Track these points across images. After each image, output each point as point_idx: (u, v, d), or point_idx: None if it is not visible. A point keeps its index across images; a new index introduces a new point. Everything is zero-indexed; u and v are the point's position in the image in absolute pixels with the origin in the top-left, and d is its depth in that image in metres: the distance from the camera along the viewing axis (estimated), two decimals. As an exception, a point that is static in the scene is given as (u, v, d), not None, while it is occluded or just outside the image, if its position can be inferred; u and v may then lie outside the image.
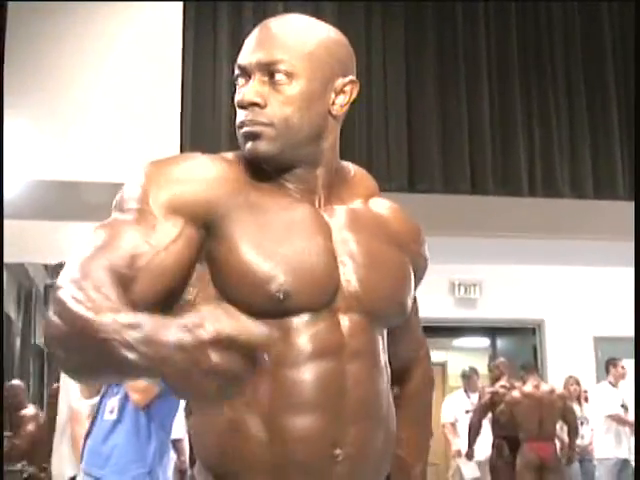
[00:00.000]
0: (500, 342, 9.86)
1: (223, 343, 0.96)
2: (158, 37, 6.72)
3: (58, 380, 5.41)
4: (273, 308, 1.25)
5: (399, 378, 1.49)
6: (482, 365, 8.13)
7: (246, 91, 1.30)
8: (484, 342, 10.33)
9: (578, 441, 6.88)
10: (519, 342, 9.22)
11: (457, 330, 9.90)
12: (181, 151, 6.41)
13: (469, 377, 7.86)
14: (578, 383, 7.68)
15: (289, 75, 1.29)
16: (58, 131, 6.39)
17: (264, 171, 1.33)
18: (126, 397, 2.81)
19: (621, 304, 7.50)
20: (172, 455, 4.41)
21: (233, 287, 1.25)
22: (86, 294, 1.07)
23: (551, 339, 8.47)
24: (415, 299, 1.49)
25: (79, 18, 6.55)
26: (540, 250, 7.60)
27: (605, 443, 7.19)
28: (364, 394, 1.29)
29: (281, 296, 1.23)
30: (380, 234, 1.40)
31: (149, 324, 1.00)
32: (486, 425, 6.94)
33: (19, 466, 5.51)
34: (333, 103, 1.35)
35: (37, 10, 6.36)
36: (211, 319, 0.98)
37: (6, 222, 5.03)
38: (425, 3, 7.38)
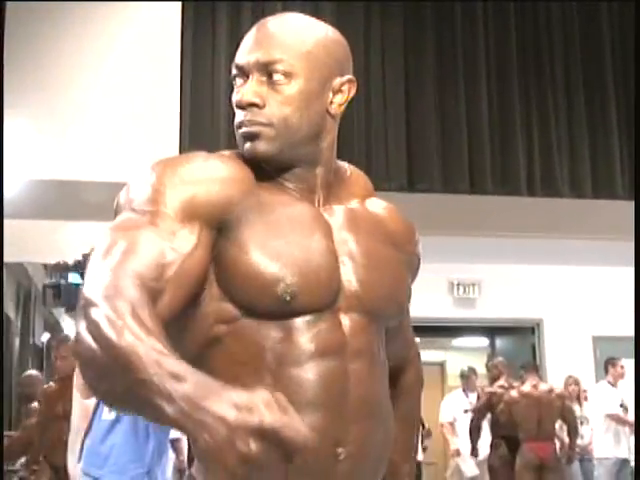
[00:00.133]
0: (499, 342, 9.86)
1: (266, 435, 0.94)
2: (157, 37, 6.72)
3: (56, 380, 5.41)
4: (279, 309, 1.25)
5: (391, 378, 1.50)
6: (481, 365, 8.13)
7: (244, 91, 1.30)
8: (483, 342, 10.33)
9: (578, 441, 6.88)
10: (518, 342, 9.22)
11: (456, 330, 9.91)
12: (180, 150, 6.41)
13: (467, 377, 7.87)
14: (577, 383, 7.69)
15: (287, 75, 1.29)
16: (57, 131, 6.39)
17: (265, 170, 1.33)
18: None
19: (620, 304, 7.50)
20: (171, 455, 4.41)
21: (239, 288, 1.25)
22: (122, 318, 1.05)
23: (550, 339, 8.47)
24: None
25: (77, 18, 6.55)
26: (539, 250, 7.60)
27: (604, 443, 7.19)
28: (366, 393, 1.30)
29: (287, 298, 1.23)
30: (377, 234, 1.40)
31: (195, 382, 0.98)
32: (485, 425, 6.95)
33: (17, 465, 5.51)
34: (331, 102, 1.34)
35: (36, 10, 6.36)
36: (263, 405, 0.96)
37: (5, 221, 5.03)
38: (424, 3, 7.39)
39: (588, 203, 7.23)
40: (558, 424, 6.67)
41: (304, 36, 1.33)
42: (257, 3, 6.95)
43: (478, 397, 7.27)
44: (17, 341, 6.99)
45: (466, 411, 7.49)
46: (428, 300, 7.26)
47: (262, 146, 1.30)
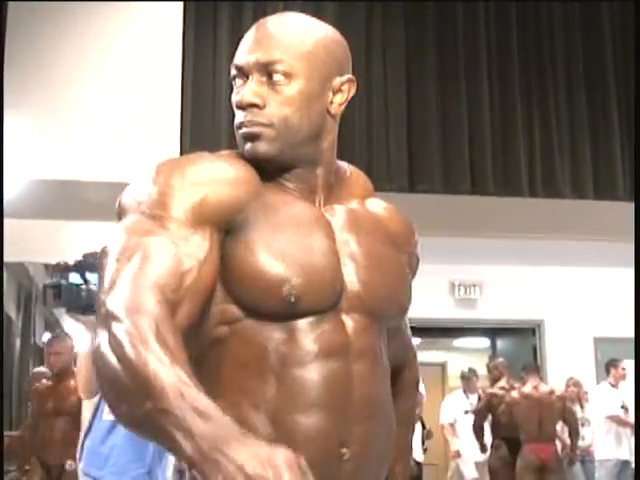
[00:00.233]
0: (500, 343, 9.86)
1: None
2: (158, 37, 6.72)
3: (49, 377, 5.38)
4: (283, 310, 1.24)
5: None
6: (482, 366, 8.13)
7: (244, 92, 1.30)
8: (484, 342, 10.33)
9: (579, 442, 6.88)
10: (519, 343, 9.22)
11: (457, 330, 9.90)
12: (181, 150, 6.42)
13: (468, 378, 7.87)
14: (579, 384, 7.68)
15: (287, 75, 1.29)
16: (58, 130, 6.39)
17: (266, 170, 1.32)
18: (125, 397, 2.80)
19: (621, 305, 7.49)
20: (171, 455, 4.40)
21: (244, 289, 1.24)
22: (146, 340, 1.04)
23: (551, 340, 8.46)
24: None
25: (79, 18, 6.55)
26: (540, 250, 7.60)
27: (605, 444, 7.18)
28: (369, 393, 1.30)
29: (292, 299, 1.23)
30: (378, 234, 1.40)
31: (218, 422, 0.98)
32: (485, 426, 6.95)
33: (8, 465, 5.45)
34: (331, 102, 1.34)
35: (38, 10, 6.36)
36: (284, 464, 0.94)
37: (6, 221, 5.03)
38: (426, 3, 7.38)
39: (589, 204, 7.23)
40: (559, 425, 6.67)
41: (304, 36, 1.32)
42: (258, 3, 6.95)
43: (479, 398, 7.26)
44: (18, 341, 6.98)
45: (466, 412, 7.49)
46: (429, 301, 7.26)
47: (263, 147, 1.29)
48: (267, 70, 1.29)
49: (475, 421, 6.89)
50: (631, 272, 5.86)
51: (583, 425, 7.28)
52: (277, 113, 1.29)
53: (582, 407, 7.56)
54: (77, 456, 3.05)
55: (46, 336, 7.31)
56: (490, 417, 6.86)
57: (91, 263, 2.58)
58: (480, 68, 7.33)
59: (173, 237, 1.18)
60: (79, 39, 6.53)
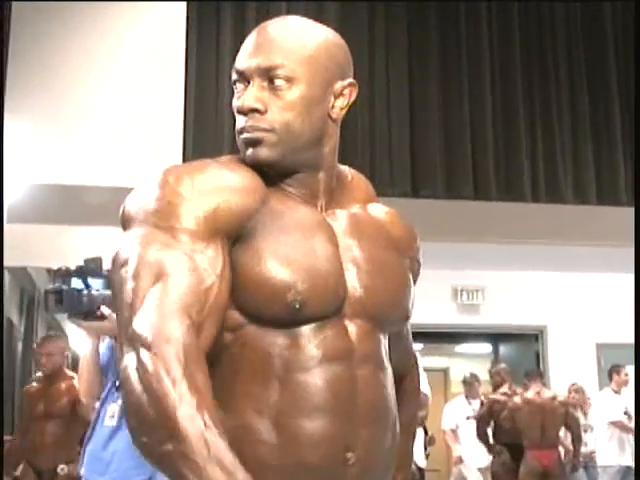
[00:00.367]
0: (503, 348, 9.84)
1: None
2: (161, 38, 6.70)
3: (39, 379, 5.33)
4: (287, 317, 1.24)
5: None
6: (485, 371, 8.11)
7: (246, 97, 1.29)
8: (487, 348, 10.31)
9: (582, 448, 6.86)
10: (522, 348, 9.20)
11: (460, 336, 9.89)
12: (184, 152, 6.42)
13: (470, 384, 7.85)
14: (581, 390, 7.66)
15: (289, 80, 1.28)
16: (61, 135, 6.40)
17: (268, 175, 1.32)
18: (127, 402, 2.80)
19: (624, 311, 7.47)
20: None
21: (249, 295, 1.23)
22: (175, 375, 1.05)
23: (554, 345, 8.45)
24: None
25: (86, 17, 6.54)
26: (543, 256, 7.59)
27: (608, 450, 7.17)
28: (373, 398, 1.30)
29: (297, 305, 1.23)
30: (380, 239, 1.40)
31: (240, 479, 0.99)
32: (487, 432, 6.93)
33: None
34: (333, 106, 1.34)
35: (45, 10, 6.35)
36: None
37: (9, 226, 5.03)
38: (428, 3, 7.39)
39: (592, 209, 7.22)
40: (562, 431, 6.65)
41: (305, 40, 1.31)
42: (261, 3, 6.95)
43: (481, 404, 7.25)
44: (20, 346, 6.98)
45: (468, 418, 7.47)
46: (432, 306, 7.26)
47: (264, 152, 1.29)
48: (268, 75, 1.28)
49: (478, 428, 6.88)
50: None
51: (586, 431, 7.26)
52: (278, 118, 1.28)
53: (585, 413, 7.53)
54: (80, 460, 3.05)
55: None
56: (492, 423, 6.84)
57: (92, 268, 2.57)
58: (483, 72, 7.34)
59: (188, 250, 1.18)
60: (82, 41, 6.52)
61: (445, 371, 11.58)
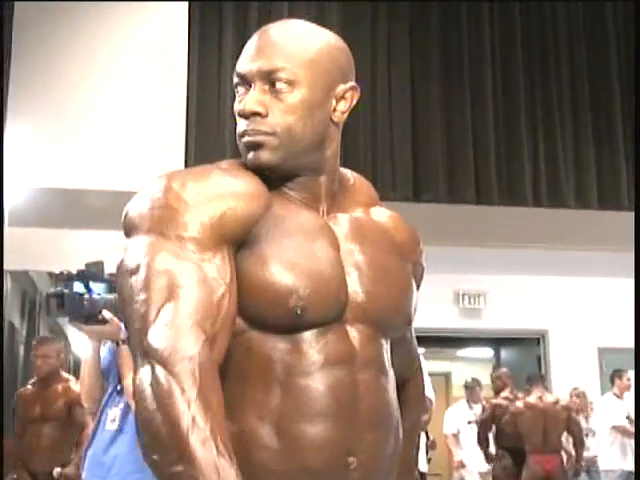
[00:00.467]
0: (504, 352, 9.84)
1: None
2: (162, 40, 6.70)
3: (34, 382, 5.30)
4: (289, 322, 1.23)
5: None
6: (486, 375, 8.10)
7: (247, 100, 1.29)
8: (488, 352, 10.30)
9: (584, 453, 6.85)
10: (523, 353, 9.19)
11: (461, 340, 9.88)
12: (186, 155, 6.41)
13: (471, 388, 7.84)
14: (583, 395, 7.65)
15: (290, 83, 1.28)
16: (62, 138, 6.40)
17: (269, 179, 1.32)
18: (128, 407, 2.79)
19: (626, 315, 7.46)
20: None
21: (252, 301, 1.23)
22: (189, 395, 1.06)
23: (555, 350, 8.44)
24: None
25: (92, 18, 6.54)
26: (545, 260, 7.59)
27: (610, 455, 7.15)
28: (375, 403, 1.29)
29: (298, 311, 1.22)
30: (383, 244, 1.39)
31: None
32: (489, 436, 6.92)
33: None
34: (334, 110, 1.33)
35: (50, 10, 6.35)
36: None
37: (11, 230, 5.04)
38: (430, 4, 7.39)
39: (594, 214, 7.21)
40: (564, 436, 6.63)
41: (306, 43, 1.31)
42: (263, 4, 6.95)
43: (483, 409, 7.24)
44: (22, 349, 6.98)
45: (470, 422, 7.46)
46: (433, 311, 7.25)
47: (266, 156, 1.28)
48: (270, 78, 1.28)
49: (479, 432, 6.87)
50: (636, 282, 5.84)
51: (588, 436, 7.25)
52: (280, 122, 1.28)
53: (587, 418, 7.52)
54: (80, 464, 3.05)
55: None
56: (494, 427, 6.83)
57: (94, 272, 2.58)
58: (485, 75, 7.33)
59: (197, 260, 1.17)
60: (83, 43, 6.51)
61: (447, 375, 11.56)
